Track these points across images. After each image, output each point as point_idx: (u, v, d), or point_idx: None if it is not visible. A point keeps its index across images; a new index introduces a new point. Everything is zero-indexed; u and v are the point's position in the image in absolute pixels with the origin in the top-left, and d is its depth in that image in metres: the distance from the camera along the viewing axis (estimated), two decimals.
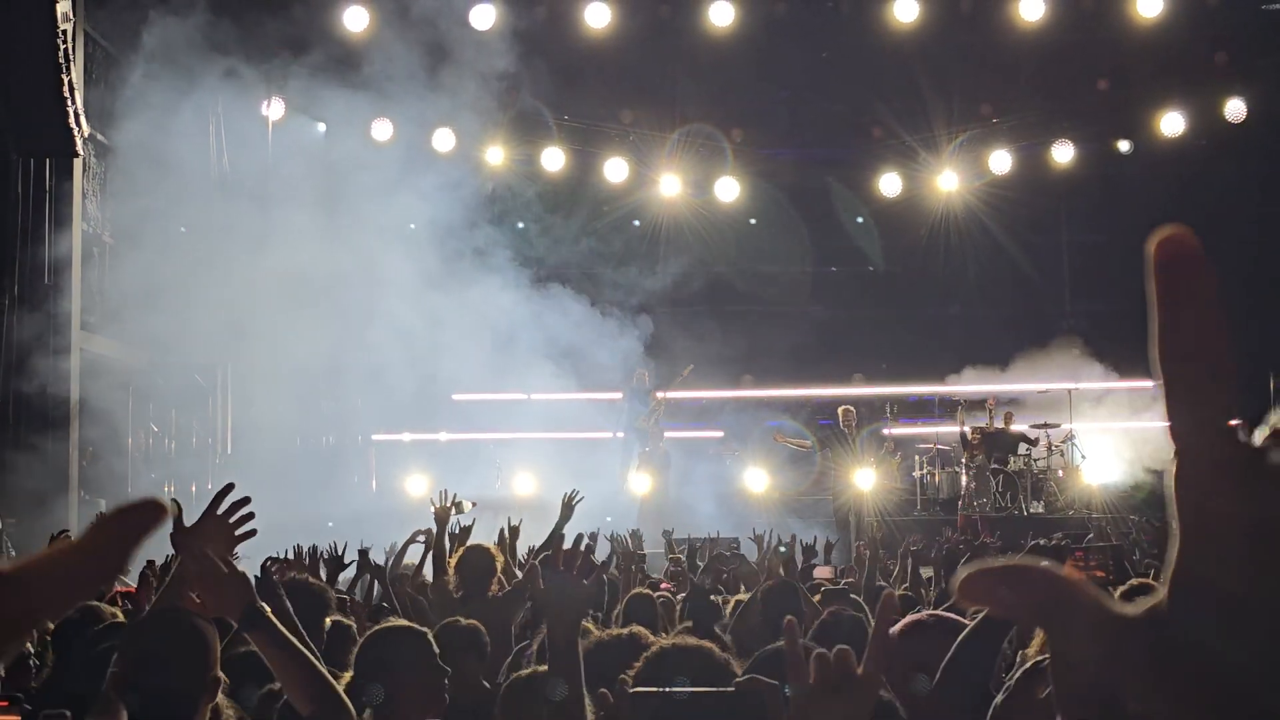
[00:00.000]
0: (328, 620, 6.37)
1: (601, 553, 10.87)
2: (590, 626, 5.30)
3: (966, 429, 20.46)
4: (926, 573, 10.75)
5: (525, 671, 4.36)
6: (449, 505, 8.91)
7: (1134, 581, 6.88)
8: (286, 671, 3.64)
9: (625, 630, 4.83)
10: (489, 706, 4.88)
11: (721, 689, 2.84)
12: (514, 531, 8.96)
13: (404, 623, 5.31)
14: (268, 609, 3.60)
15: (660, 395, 21.13)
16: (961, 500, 19.97)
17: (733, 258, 24.73)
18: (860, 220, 24.86)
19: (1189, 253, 0.66)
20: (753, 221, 24.42)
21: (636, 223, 23.89)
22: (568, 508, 9.01)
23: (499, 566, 7.75)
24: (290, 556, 8.52)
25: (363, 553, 9.39)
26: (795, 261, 25.14)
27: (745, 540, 11.68)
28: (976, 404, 21.76)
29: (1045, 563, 0.70)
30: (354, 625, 6.25)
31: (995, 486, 20.07)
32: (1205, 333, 0.65)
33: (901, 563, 10.26)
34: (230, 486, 4.04)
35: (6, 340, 15.94)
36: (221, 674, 3.69)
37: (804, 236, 24.97)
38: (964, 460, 20.16)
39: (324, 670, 3.77)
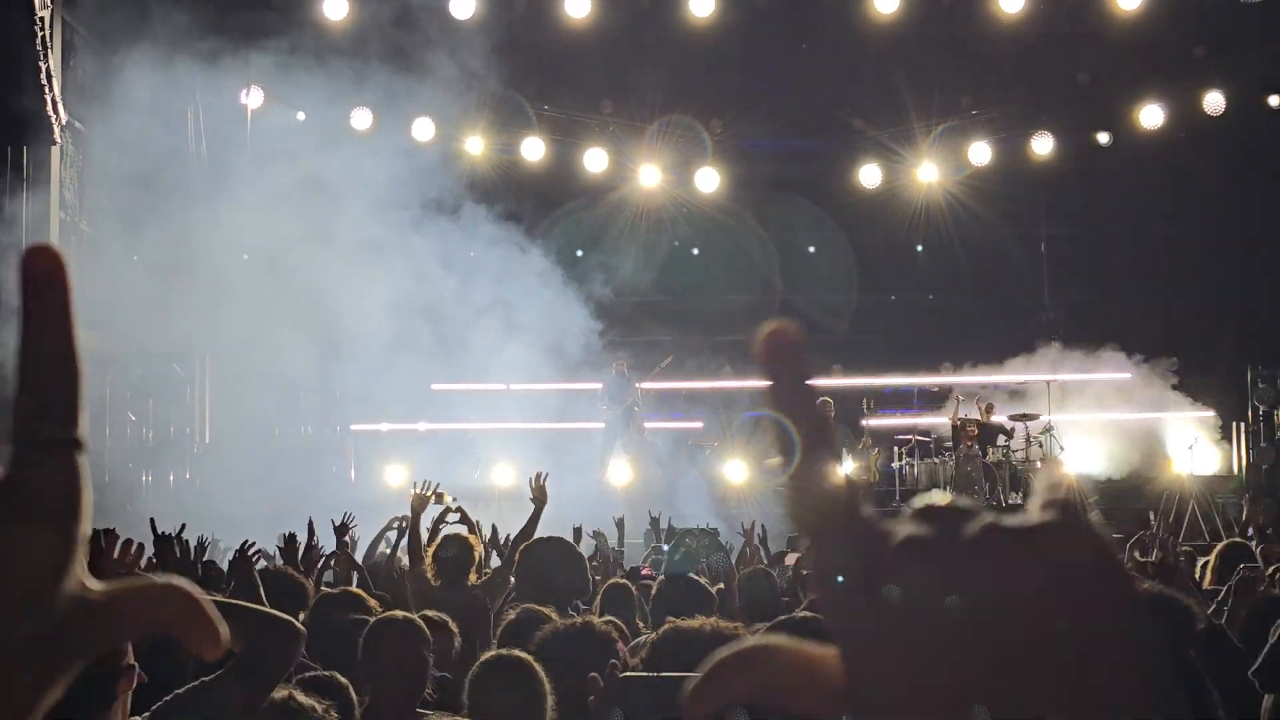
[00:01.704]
0: (302, 614, 6.34)
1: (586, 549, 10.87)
2: (549, 613, 5.29)
3: (959, 420, 20.31)
4: None
5: (490, 654, 4.36)
6: (427, 494, 8.89)
7: None
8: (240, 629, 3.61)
9: (579, 620, 4.84)
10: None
11: None
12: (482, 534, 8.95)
13: (400, 613, 5.32)
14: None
15: (638, 385, 21.13)
16: (950, 492, 19.88)
17: (713, 249, 24.76)
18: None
19: (788, 339, 0.77)
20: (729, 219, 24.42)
21: (616, 213, 23.84)
22: (541, 490, 8.93)
23: (476, 556, 7.76)
24: (280, 545, 8.47)
25: (341, 545, 9.36)
26: (772, 253, 25.13)
27: (729, 532, 11.69)
28: (946, 395, 21.85)
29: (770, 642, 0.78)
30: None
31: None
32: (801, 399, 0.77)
33: None
34: (110, 532, 4.04)
35: None
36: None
37: (784, 228, 25.01)
38: (960, 451, 20.05)
39: (260, 608, 3.75)
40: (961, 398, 20.82)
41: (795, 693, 0.75)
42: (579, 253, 23.65)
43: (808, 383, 0.77)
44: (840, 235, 24.87)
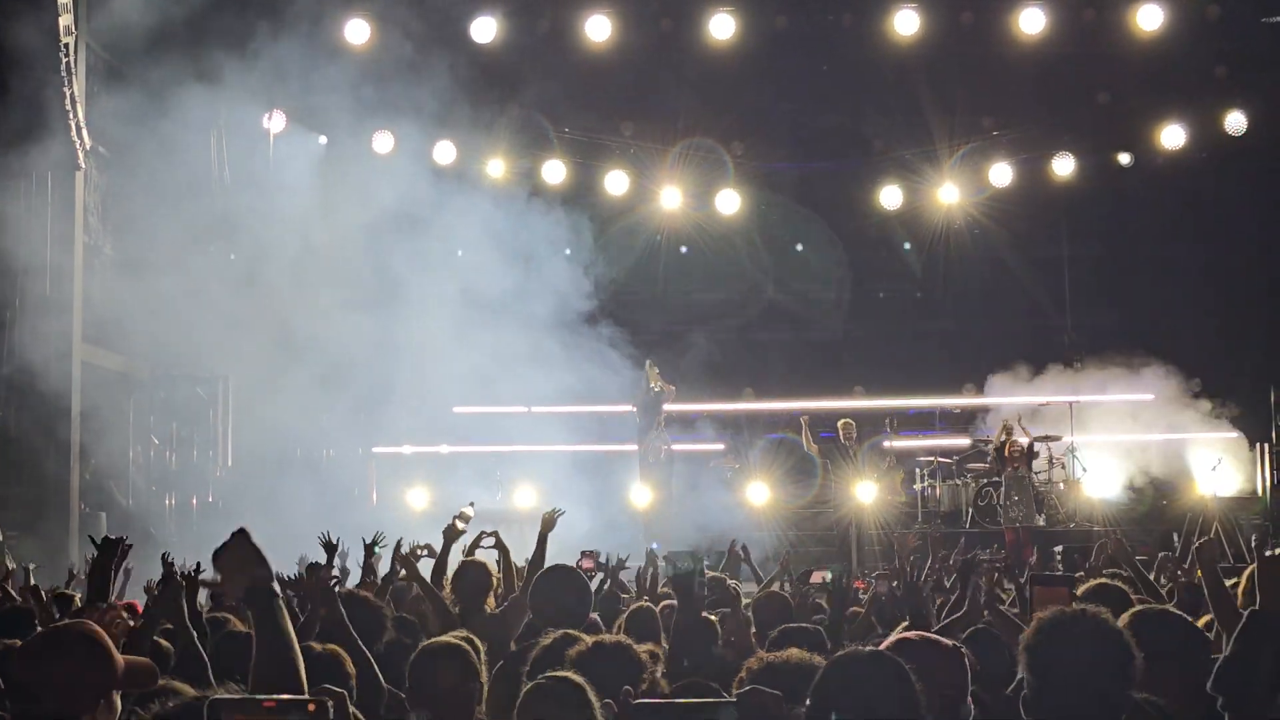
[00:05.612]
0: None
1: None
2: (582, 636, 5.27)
3: (1002, 440, 20.13)
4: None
5: (544, 677, 4.33)
6: (461, 526, 8.86)
7: None
8: (261, 653, 3.56)
9: (615, 639, 4.82)
10: None
11: (724, 699, 2.84)
12: (504, 550, 8.91)
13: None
14: (276, 591, 3.50)
15: (665, 405, 20.96)
16: (1004, 514, 19.69)
17: (734, 273, 24.75)
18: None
19: None
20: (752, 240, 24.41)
21: (637, 238, 23.84)
22: (549, 523, 8.84)
23: (495, 582, 7.73)
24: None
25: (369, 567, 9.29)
26: (796, 277, 25.14)
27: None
28: (969, 417, 21.76)
29: None
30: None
31: (997, 499, 20.04)
32: None
33: (902, 568, 10.15)
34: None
35: (8, 352, 15.96)
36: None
37: (803, 252, 25.04)
38: (1005, 473, 19.86)
39: (296, 667, 3.72)
40: (1012, 423, 20.50)
41: None
42: (601, 276, 23.55)
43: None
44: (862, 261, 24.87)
